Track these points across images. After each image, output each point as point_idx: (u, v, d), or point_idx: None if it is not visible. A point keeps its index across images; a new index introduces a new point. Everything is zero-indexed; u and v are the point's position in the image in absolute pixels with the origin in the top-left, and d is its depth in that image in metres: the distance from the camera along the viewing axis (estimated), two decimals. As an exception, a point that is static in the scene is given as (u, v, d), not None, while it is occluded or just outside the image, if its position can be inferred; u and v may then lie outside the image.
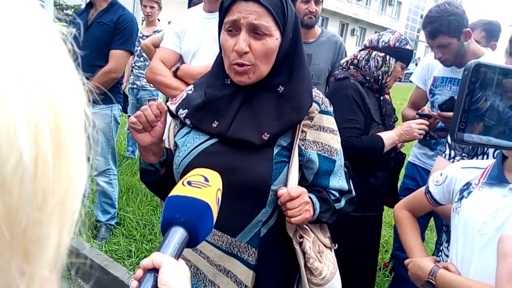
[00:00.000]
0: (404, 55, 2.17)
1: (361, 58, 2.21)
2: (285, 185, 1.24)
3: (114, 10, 3.23)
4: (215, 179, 0.81)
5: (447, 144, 2.12)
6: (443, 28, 2.32)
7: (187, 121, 1.28)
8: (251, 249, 1.24)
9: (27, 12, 0.29)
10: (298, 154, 1.26)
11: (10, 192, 0.25)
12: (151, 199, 4.04)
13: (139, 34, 4.56)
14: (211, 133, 1.25)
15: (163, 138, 1.39)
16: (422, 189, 1.62)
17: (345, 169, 1.39)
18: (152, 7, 4.71)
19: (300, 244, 1.29)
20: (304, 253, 1.29)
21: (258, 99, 1.25)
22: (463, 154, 1.86)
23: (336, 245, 1.40)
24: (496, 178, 1.33)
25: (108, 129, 3.34)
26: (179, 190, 0.76)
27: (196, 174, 0.81)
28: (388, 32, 2.23)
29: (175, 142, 1.33)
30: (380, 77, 2.16)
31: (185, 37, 2.35)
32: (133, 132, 1.23)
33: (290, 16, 1.23)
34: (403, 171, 2.75)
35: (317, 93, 1.32)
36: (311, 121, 1.28)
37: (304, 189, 1.24)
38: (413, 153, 2.92)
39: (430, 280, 1.35)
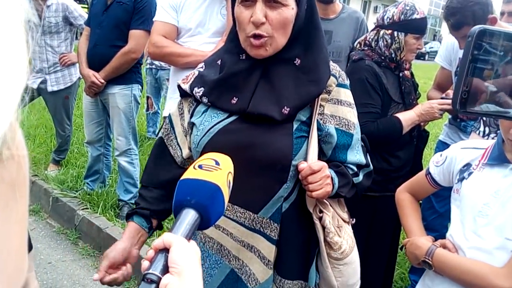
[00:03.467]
0: (413, 26, 2.06)
1: (370, 39, 2.15)
2: (305, 159, 1.23)
3: None
4: (226, 163, 0.82)
5: (481, 121, 2.05)
6: (467, 20, 2.20)
7: (204, 99, 1.26)
8: (273, 224, 1.25)
9: None
10: (317, 128, 1.25)
11: None
12: (172, 178, 4.08)
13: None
14: (231, 110, 1.24)
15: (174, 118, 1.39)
16: (424, 171, 1.59)
17: (362, 143, 1.38)
18: None
19: (320, 218, 1.28)
20: (323, 228, 1.28)
21: (276, 73, 1.23)
22: (498, 131, 1.81)
23: (354, 219, 1.40)
24: (497, 159, 1.31)
25: (128, 109, 3.36)
26: (190, 173, 0.77)
27: (207, 158, 0.82)
28: (392, 7, 2.13)
29: (192, 122, 1.31)
30: (393, 55, 2.09)
31: (183, 11, 2.28)
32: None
33: None
34: (428, 151, 2.70)
35: (334, 66, 1.30)
36: (328, 95, 1.27)
37: (325, 163, 1.23)
38: (444, 132, 2.86)
39: (427, 260, 1.33)
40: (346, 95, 1.31)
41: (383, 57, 2.10)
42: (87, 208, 3.45)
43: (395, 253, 2.46)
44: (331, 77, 1.26)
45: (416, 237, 1.46)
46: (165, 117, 2.50)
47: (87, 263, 3.07)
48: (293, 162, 1.22)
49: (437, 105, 2.11)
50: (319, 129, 1.26)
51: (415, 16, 2.06)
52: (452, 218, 1.41)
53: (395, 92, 2.11)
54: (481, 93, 0.66)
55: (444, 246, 1.35)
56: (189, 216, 0.72)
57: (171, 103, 2.28)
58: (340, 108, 1.28)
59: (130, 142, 3.43)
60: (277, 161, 1.21)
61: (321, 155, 1.30)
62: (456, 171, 1.41)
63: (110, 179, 3.92)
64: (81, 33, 3.63)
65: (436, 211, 2.70)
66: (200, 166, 0.79)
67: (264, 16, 1.16)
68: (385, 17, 2.10)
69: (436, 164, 1.50)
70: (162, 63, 4.80)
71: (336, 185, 1.26)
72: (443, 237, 2.75)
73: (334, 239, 1.28)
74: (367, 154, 1.39)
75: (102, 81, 3.23)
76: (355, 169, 1.33)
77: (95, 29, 3.28)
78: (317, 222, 1.28)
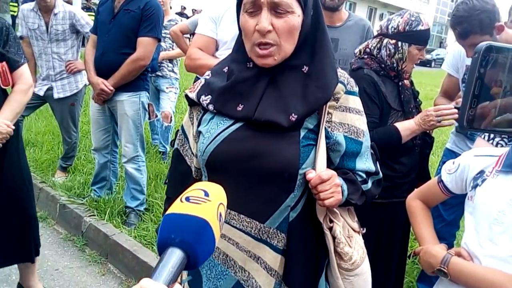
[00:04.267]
0: (417, 38, 2.06)
1: (372, 47, 2.13)
2: (314, 168, 1.21)
3: None
4: (217, 193, 0.75)
5: None
6: (474, 28, 2.18)
7: (210, 107, 1.26)
8: (280, 234, 1.23)
9: None
10: (325, 136, 1.23)
11: None
12: (179, 185, 4.08)
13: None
14: (236, 117, 1.22)
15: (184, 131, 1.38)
16: (435, 178, 1.57)
17: (372, 151, 1.36)
18: None
19: (330, 229, 1.27)
20: (334, 238, 1.27)
21: (284, 80, 1.21)
22: (503, 136, 1.79)
23: (365, 229, 1.38)
24: (511, 166, 1.29)
25: (136, 116, 3.38)
26: (176, 207, 0.70)
27: (196, 188, 0.74)
28: (397, 16, 2.11)
29: (199, 131, 1.30)
30: (395, 65, 2.08)
31: (221, 24, 2.32)
32: None
33: None
34: (435, 157, 2.67)
35: (342, 73, 1.28)
36: (337, 102, 1.25)
37: (334, 172, 1.21)
38: (451, 140, 2.84)
39: (442, 269, 1.32)
40: (355, 102, 1.29)
41: (383, 65, 2.09)
42: (94, 215, 3.46)
43: (404, 261, 2.45)
44: (340, 84, 1.25)
45: (429, 245, 1.44)
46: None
47: (94, 270, 3.07)
48: (300, 171, 1.20)
49: (433, 112, 2.07)
50: (327, 137, 1.24)
51: (420, 27, 2.05)
52: (466, 225, 1.39)
53: (394, 100, 2.10)
54: (488, 110, 0.65)
55: (459, 254, 1.34)
56: (173, 258, 0.65)
57: None
58: (348, 115, 1.27)
59: (138, 149, 3.44)
60: (284, 170, 1.19)
61: (330, 163, 1.28)
62: (470, 178, 1.39)
63: (117, 186, 3.92)
64: (87, 41, 3.66)
65: (444, 219, 2.68)
66: (187, 199, 0.71)
67: (270, 24, 1.14)
68: (390, 26, 2.09)
69: (449, 171, 1.49)
70: (163, 73, 4.82)
71: (346, 192, 1.25)
72: (451, 245, 2.73)
73: (345, 250, 1.26)
74: (377, 162, 1.38)
75: (112, 88, 3.25)
76: (364, 176, 1.32)
77: (102, 37, 3.29)
78: (327, 232, 1.27)
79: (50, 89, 3.92)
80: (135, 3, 3.21)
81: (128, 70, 3.22)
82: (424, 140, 2.26)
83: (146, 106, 3.49)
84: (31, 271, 2.60)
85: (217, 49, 2.39)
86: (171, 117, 4.86)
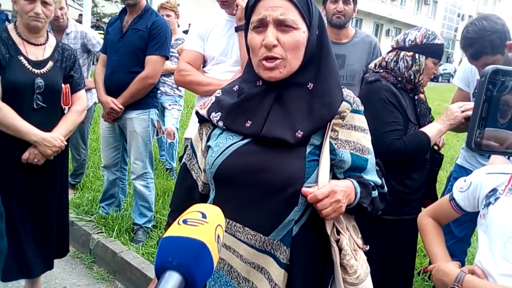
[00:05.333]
0: (434, 51, 2.10)
1: (389, 60, 2.16)
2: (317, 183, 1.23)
3: (148, 16, 3.30)
4: (215, 215, 0.74)
5: None
6: (486, 49, 2.20)
7: (220, 124, 1.29)
8: (283, 247, 1.24)
9: None
10: (330, 153, 1.26)
11: None
12: (187, 202, 4.07)
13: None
14: (244, 133, 1.26)
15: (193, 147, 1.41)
16: (447, 196, 1.57)
17: (377, 167, 1.39)
18: (168, 16, 4.71)
19: (337, 241, 1.28)
20: (340, 250, 1.27)
21: (290, 97, 1.25)
22: None
23: (368, 246, 1.38)
24: None
25: (146, 134, 3.40)
26: (173, 230, 0.69)
27: (194, 210, 0.74)
28: (414, 30, 2.16)
29: (208, 145, 1.34)
30: (412, 77, 2.11)
31: (209, 40, 2.36)
32: None
33: (315, 11, 1.25)
34: (443, 173, 2.64)
35: (348, 93, 1.32)
36: (343, 120, 1.28)
37: (333, 189, 1.21)
38: (462, 156, 2.83)
39: (456, 287, 1.31)
40: (361, 120, 1.33)
41: (400, 78, 2.11)
42: (102, 232, 3.46)
43: (411, 278, 2.42)
44: (345, 103, 1.28)
45: (442, 263, 1.43)
46: (186, 139, 2.59)
47: (102, 288, 3.07)
48: (305, 186, 1.22)
49: (455, 107, 2.09)
50: (333, 154, 1.27)
51: (436, 41, 2.10)
52: (480, 243, 1.38)
53: (411, 113, 2.12)
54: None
55: (473, 272, 1.33)
56: (171, 281, 0.63)
57: (193, 125, 2.34)
58: (353, 133, 1.30)
59: (147, 166, 3.46)
60: (289, 185, 1.21)
61: (336, 179, 1.30)
62: (482, 196, 1.39)
63: (125, 203, 3.93)
64: (97, 59, 3.70)
65: (455, 236, 2.66)
66: (184, 221, 0.70)
67: (276, 39, 1.19)
68: (407, 39, 2.12)
69: (461, 189, 1.49)
70: (167, 90, 4.85)
71: (358, 195, 1.27)
72: (462, 262, 2.69)
73: (351, 262, 1.27)
74: (382, 178, 1.40)
75: (121, 107, 3.28)
76: (372, 184, 1.34)
77: (112, 56, 3.34)
78: (334, 244, 1.27)
79: (60, 107, 3.96)
80: (142, 22, 3.26)
81: (137, 88, 3.26)
82: (434, 157, 2.26)
83: (155, 123, 3.52)
84: (39, 282, 2.71)
85: (204, 66, 2.42)
86: (174, 133, 4.89)
